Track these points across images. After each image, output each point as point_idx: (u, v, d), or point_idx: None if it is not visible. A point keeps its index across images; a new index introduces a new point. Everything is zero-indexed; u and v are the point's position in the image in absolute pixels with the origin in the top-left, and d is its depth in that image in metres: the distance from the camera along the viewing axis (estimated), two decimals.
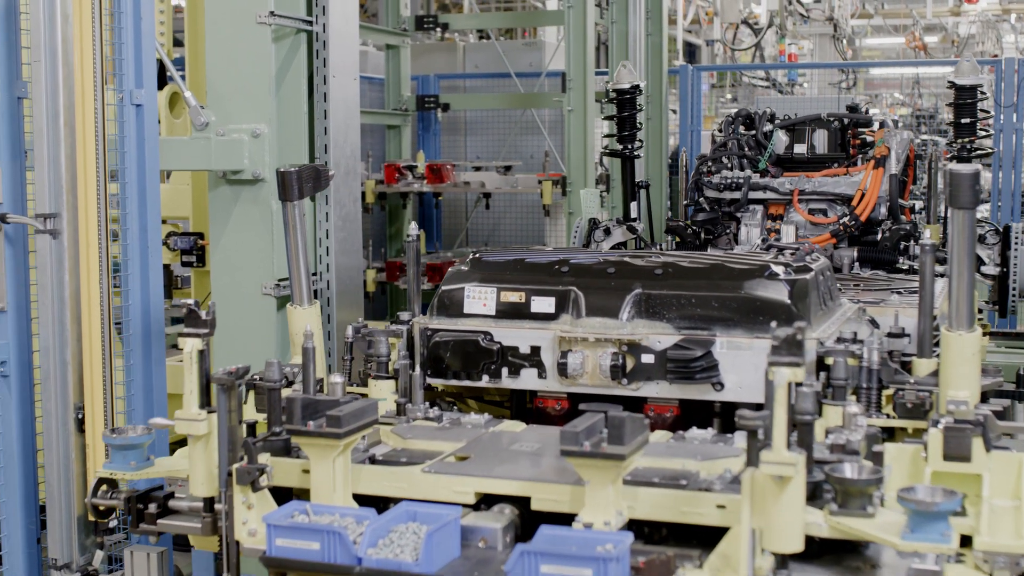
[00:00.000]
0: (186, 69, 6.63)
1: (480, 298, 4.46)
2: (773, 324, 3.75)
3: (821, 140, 7.65)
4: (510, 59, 12.45)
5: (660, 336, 4.16)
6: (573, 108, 9.89)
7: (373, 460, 3.72)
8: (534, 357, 4.33)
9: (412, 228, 5.06)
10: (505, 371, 4.37)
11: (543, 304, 4.36)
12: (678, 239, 7.62)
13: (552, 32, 15.48)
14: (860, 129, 7.66)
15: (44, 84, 4.35)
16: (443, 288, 4.56)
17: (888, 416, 4.00)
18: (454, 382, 4.49)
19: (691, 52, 22.10)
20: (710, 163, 7.63)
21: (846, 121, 7.68)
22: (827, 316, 4.44)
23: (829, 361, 3.92)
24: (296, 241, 4.62)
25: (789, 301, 4.12)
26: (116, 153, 4.84)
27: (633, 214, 8.00)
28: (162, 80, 6.53)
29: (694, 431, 3.89)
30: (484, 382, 4.42)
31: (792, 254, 4.63)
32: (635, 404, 4.25)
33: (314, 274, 6.11)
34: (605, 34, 11.09)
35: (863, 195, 7.06)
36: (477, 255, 4.76)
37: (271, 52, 5.83)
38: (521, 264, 4.59)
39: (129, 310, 4.88)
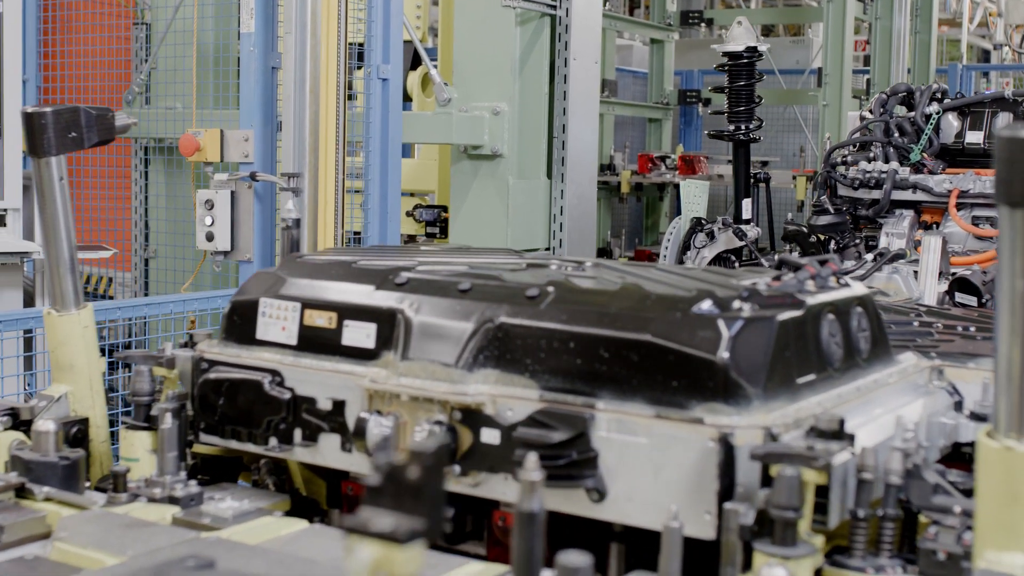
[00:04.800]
0: (438, 53, 7.01)
1: (278, 318, 2.86)
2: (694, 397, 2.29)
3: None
4: (776, 56, 12.41)
5: (512, 400, 2.44)
6: (828, 103, 9.86)
7: None
8: (336, 417, 2.68)
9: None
10: (299, 434, 2.73)
11: (358, 333, 2.73)
12: (799, 248, 6.31)
13: (822, 29, 15.35)
14: None
15: (294, 55, 4.75)
16: (234, 300, 2.97)
17: (905, 570, 2.24)
18: (234, 444, 2.84)
19: (986, 56, 21.37)
20: (846, 153, 6.14)
21: None
22: (836, 382, 2.54)
23: (774, 472, 2.13)
24: (55, 216, 3.02)
25: (727, 357, 2.29)
26: (362, 124, 5.23)
27: (746, 214, 6.76)
28: (416, 62, 6.93)
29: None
30: (270, 447, 2.77)
31: (793, 275, 2.64)
32: (480, 508, 2.59)
33: (547, 249, 6.38)
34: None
35: None
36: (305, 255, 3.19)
37: (515, 35, 6.15)
38: (348, 269, 2.88)
39: None
